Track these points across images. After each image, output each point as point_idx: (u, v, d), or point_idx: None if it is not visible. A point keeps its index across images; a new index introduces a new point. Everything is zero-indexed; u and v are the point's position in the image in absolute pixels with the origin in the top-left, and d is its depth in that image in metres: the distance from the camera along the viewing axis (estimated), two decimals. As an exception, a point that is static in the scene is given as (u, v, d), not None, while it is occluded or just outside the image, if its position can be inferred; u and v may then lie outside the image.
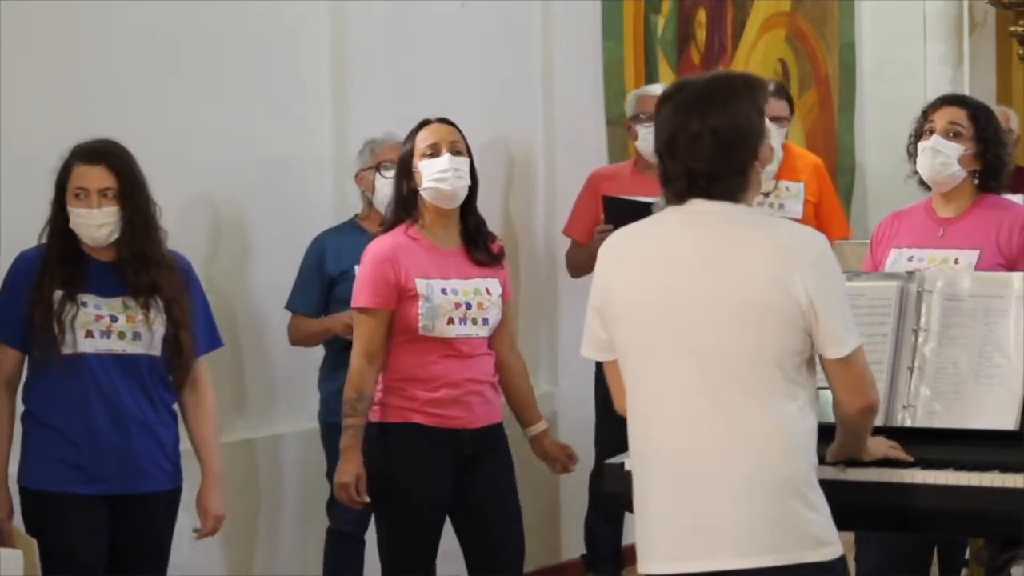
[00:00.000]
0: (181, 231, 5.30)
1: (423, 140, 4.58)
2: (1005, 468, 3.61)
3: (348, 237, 5.35)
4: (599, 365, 3.62)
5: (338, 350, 5.23)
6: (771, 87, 6.72)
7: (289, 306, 5.39)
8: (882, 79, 8.58)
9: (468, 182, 4.58)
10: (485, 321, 4.57)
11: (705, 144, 3.23)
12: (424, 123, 4.63)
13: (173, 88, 5.24)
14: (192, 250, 5.35)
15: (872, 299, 3.97)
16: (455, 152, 4.56)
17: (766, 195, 6.59)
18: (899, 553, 4.48)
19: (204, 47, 5.35)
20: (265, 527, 5.57)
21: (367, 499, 4.54)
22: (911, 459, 3.67)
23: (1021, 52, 8.88)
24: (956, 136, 4.61)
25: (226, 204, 5.48)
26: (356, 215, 5.48)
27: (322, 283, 5.33)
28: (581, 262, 6.05)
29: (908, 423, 3.82)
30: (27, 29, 4.80)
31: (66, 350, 4.15)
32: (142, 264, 4.24)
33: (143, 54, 5.15)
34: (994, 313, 3.88)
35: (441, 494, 4.55)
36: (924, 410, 3.82)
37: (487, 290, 4.59)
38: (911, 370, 3.87)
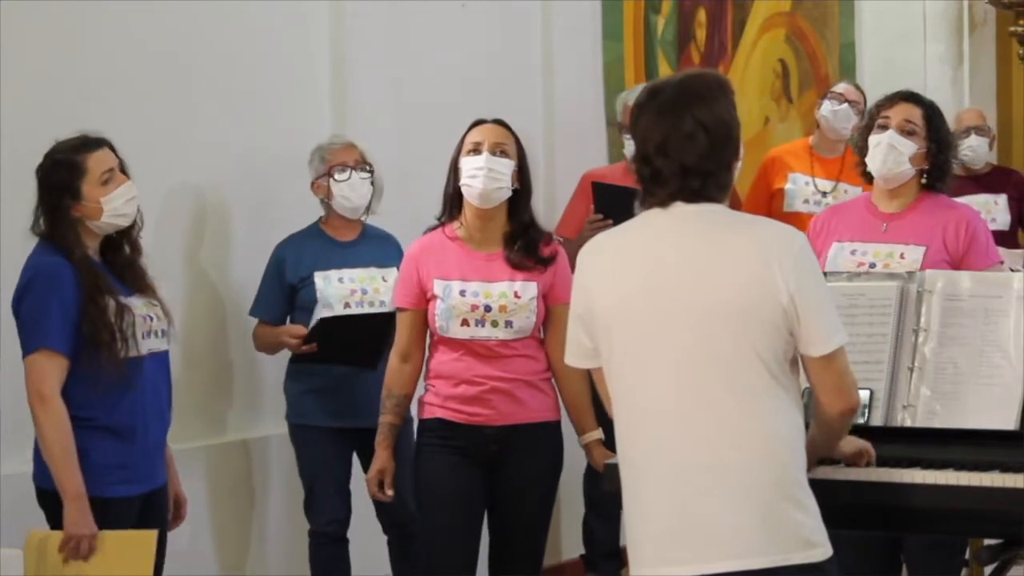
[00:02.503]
0: (181, 231, 5.32)
1: (470, 138, 4.63)
2: (1005, 468, 3.60)
3: (309, 243, 5.34)
4: None
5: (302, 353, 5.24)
6: (847, 84, 6.81)
7: (252, 312, 5.37)
8: (882, 79, 8.57)
9: (504, 184, 4.59)
10: (509, 324, 4.56)
11: (699, 141, 3.23)
12: (477, 122, 4.67)
13: (173, 89, 5.24)
14: (192, 250, 5.37)
15: (872, 299, 3.97)
16: (496, 152, 4.58)
17: (824, 195, 6.61)
18: (866, 552, 4.42)
19: (204, 47, 5.35)
20: (254, 527, 5.57)
21: (391, 493, 4.64)
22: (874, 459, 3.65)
23: (1021, 52, 8.88)
24: (910, 134, 4.63)
25: (226, 204, 5.48)
26: (320, 219, 5.43)
27: (282, 290, 5.30)
28: (571, 258, 6.04)
29: (908, 423, 3.81)
30: (27, 29, 4.80)
31: (131, 353, 4.15)
32: (127, 255, 4.27)
33: (143, 54, 5.16)
34: (994, 313, 3.88)
35: (467, 490, 4.57)
36: (924, 410, 3.81)
37: (515, 293, 4.57)
38: (911, 370, 3.87)
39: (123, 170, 4.25)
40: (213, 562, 5.35)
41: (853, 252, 4.63)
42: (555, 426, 4.68)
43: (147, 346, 4.21)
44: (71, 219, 4.18)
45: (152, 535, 4.08)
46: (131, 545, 4.08)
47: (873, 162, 4.66)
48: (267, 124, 5.58)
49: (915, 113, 4.66)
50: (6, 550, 3.97)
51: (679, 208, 3.26)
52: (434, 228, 4.68)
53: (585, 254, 3.39)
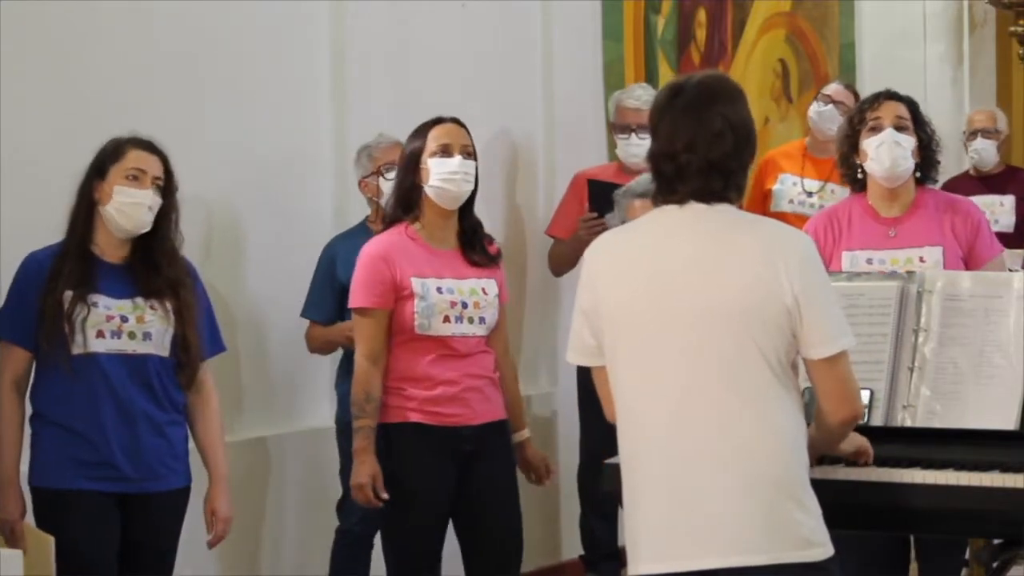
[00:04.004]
0: (183, 230, 5.31)
1: (435, 138, 4.60)
2: (1005, 468, 3.60)
3: (358, 242, 5.32)
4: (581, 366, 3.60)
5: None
6: (836, 85, 6.86)
7: (304, 314, 5.40)
8: (882, 79, 8.57)
9: (473, 186, 4.61)
10: (482, 320, 4.59)
11: (727, 140, 3.25)
12: (437, 120, 4.65)
13: (173, 89, 5.23)
14: (191, 251, 5.37)
15: (872, 299, 3.97)
16: (466, 155, 4.59)
17: (810, 195, 6.62)
18: (872, 553, 4.42)
19: (204, 47, 5.35)
20: (265, 528, 5.57)
21: (385, 496, 4.53)
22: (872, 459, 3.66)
23: (1021, 52, 8.89)
24: (904, 130, 4.67)
25: (227, 205, 5.47)
26: (366, 218, 5.46)
27: (334, 290, 5.32)
28: (563, 257, 6.12)
29: (908, 423, 3.81)
30: (27, 29, 4.80)
31: (76, 350, 4.15)
32: (155, 265, 4.28)
33: (143, 54, 5.15)
34: (994, 313, 3.88)
35: (443, 493, 4.56)
36: (924, 410, 3.82)
37: (483, 290, 4.61)
38: (911, 370, 3.87)
39: (164, 188, 4.27)
40: (226, 562, 5.34)
41: (869, 260, 4.63)
42: (505, 424, 4.72)
43: (104, 345, 4.18)
44: (89, 200, 4.23)
45: (48, 541, 4.04)
46: (35, 542, 4.08)
47: (880, 162, 4.64)
48: (267, 124, 5.57)
49: (903, 110, 4.71)
50: (6, 550, 3.97)
51: (692, 207, 3.27)
52: (386, 228, 4.66)
53: (593, 252, 3.39)
